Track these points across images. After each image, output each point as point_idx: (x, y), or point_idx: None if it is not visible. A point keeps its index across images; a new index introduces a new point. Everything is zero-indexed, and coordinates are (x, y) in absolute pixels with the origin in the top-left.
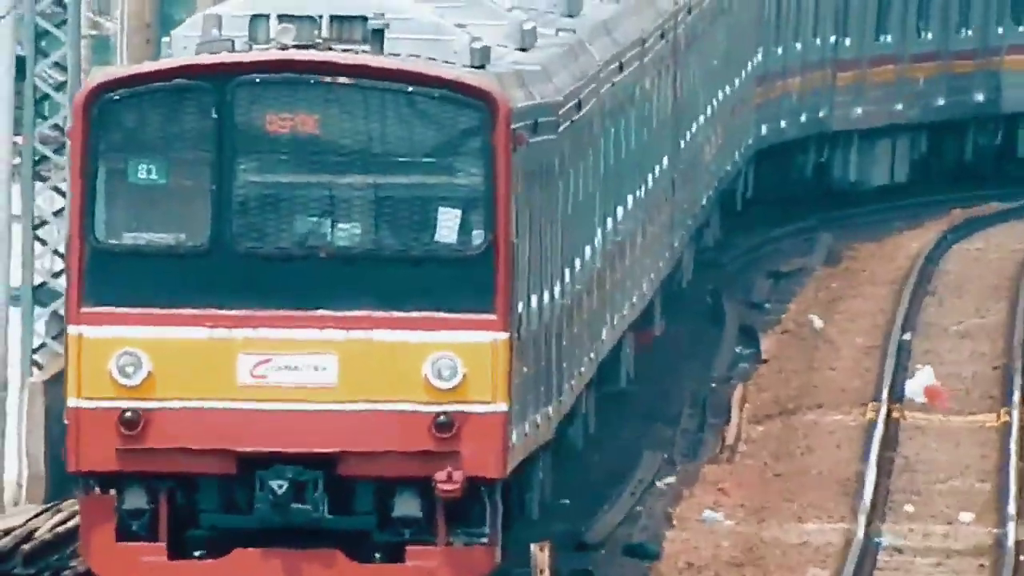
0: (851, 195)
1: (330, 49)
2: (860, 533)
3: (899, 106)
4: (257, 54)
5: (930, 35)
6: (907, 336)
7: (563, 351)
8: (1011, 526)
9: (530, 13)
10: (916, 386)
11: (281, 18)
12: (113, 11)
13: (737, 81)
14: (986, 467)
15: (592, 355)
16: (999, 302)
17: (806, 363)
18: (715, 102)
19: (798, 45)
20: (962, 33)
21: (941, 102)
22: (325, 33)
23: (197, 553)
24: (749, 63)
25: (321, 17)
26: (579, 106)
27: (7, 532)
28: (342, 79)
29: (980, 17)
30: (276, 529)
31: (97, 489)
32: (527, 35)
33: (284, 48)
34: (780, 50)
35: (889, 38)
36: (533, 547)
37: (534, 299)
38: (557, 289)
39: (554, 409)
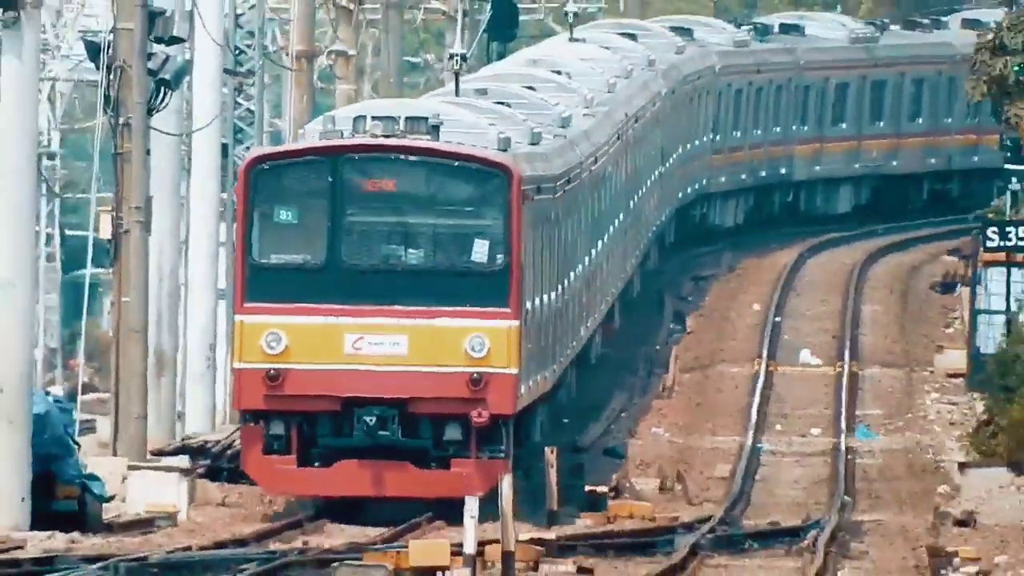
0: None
1: (405, 137)
2: (749, 441)
3: (743, 176)
4: (358, 139)
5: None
6: (778, 318)
7: (555, 337)
8: (843, 436)
9: (537, 124)
10: (805, 355)
11: (374, 117)
12: (284, 115)
13: (668, 162)
14: (827, 400)
15: (576, 340)
16: (835, 295)
17: (716, 335)
18: (652, 177)
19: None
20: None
21: (763, 174)
22: (402, 127)
23: (316, 464)
24: (674, 153)
25: (400, 117)
26: (569, 181)
27: (217, 442)
28: (412, 157)
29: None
30: (367, 448)
31: (251, 423)
32: (535, 135)
33: (375, 136)
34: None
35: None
36: (546, 449)
37: (537, 301)
38: (555, 295)
39: (549, 372)
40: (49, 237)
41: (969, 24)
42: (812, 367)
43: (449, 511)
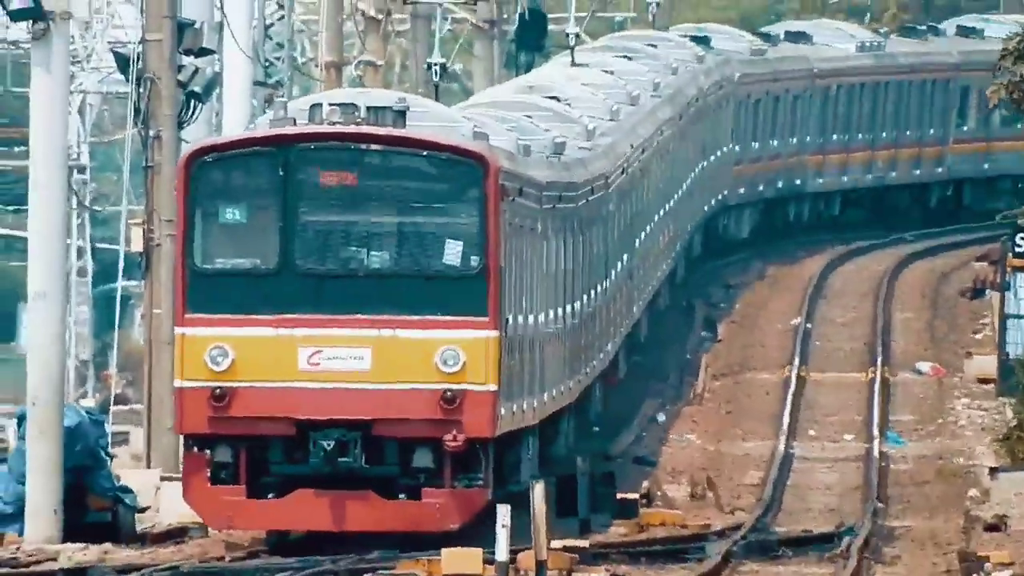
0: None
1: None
2: (781, 447)
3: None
4: (312, 127)
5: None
6: (808, 325)
7: (561, 358)
8: (875, 442)
9: (535, 150)
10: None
11: (332, 104)
12: None
13: (684, 185)
14: (859, 406)
15: (603, 354)
16: (865, 302)
17: (746, 341)
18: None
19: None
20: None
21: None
22: (363, 115)
23: (268, 494)
24: (690, 175)
25: (361, 105)
26: (560, 198)
27: None
28: (374, 146)
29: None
30: (326, 476)
31: (195, 448)
32: (526, 148)
33: (333, 124)
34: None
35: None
36: (578, 458)
37: (534, 315)
38: (574, 307)
39: (538, 401)
40: (80, 250)
41: (964, 31)
42: (842, 373)
43: (420, 547)
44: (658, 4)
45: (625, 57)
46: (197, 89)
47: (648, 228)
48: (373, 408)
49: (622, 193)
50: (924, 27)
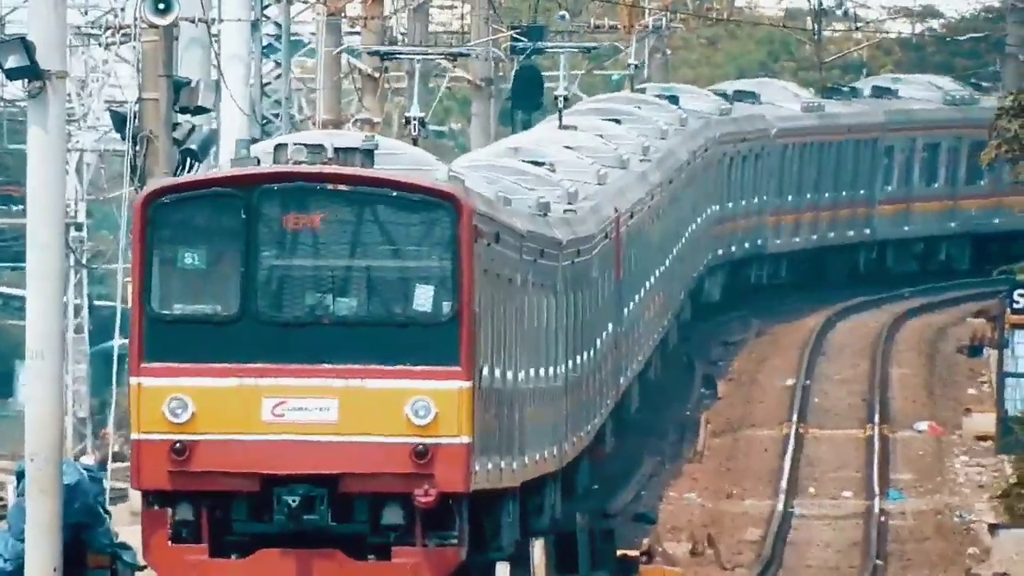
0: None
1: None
2: (780, 506)
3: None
4: (275, 167)
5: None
6: (807, 382)
7: (544, 421)
8: (875, 499)
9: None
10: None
11: (296, 144)
12: None
13: (678, 246)
14: (858, 462)
15: (589, 426)
16: (864, 359)
17: (745, 399)
18: (657, 272)
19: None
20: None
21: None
22: (330, 155)
23: (234, 556)
24: (684, 234)
25: (328, 145)
26: (542, 253)
27: None
28: (341, 186)
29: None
30: (291, 535)
31: (155, 506)
32: (504, 200)
33: (297, 163)
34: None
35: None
36: (578, 515)
37: (513, 371)
38: (557, 369)
39: (518, 464)
40: (77, 308)
41: (879, 92)
42: (840, 430)
43: None
44: (636, 66)
45: (614, 120)
46: (194, 147)
47: (638, 295)
48: (340, 462)
49: (605, 257)
50: (847, 88)
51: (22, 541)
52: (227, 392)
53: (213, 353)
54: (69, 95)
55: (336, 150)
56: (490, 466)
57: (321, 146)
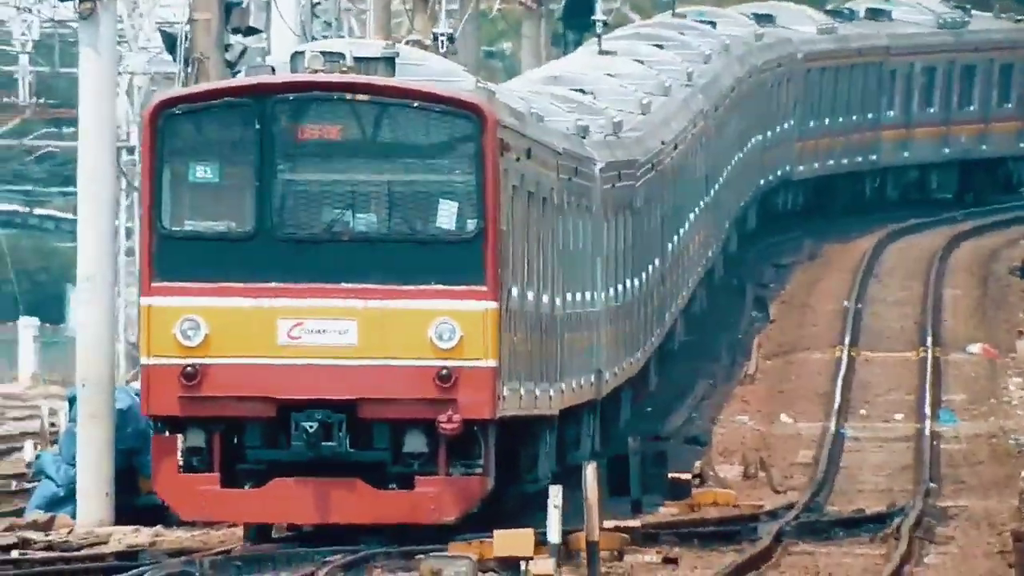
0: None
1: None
2: (832, 427)
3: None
4: (290, 76)
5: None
6: (860, 305)
7: (582, 348)
8: (927, 422)
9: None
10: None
11: (314, 52)
12: None
13: (726, 170)
14: (910, 385)
15: (632, 359)
16: (916, 281)
17: (797, 321)
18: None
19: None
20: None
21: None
22: (349, 64)
23: (247, 485)
24: (730, 162)
25: (347, 53)
26: (577, 172)
27: None
28: (360, 96)
29: None
30: (308, 463)
31: (164, 432)
32: (536, 116)
33: (315, 73)
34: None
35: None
36: (629, 438)
37: (549, 295)
38: (595, 295)
39: (555, 390)
40: (129, 231)
41: (874, 14)
42: (892, 352)
43: (415, 541)
44: None
45: (656, 45)
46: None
47: (684, 226)
48: (360, 387)
49: (650, 186)
50: (845, 10)
51: (74, 466)
52: (242, 313)
53: (227, 272)
54: (120, 16)
55: (355, 59)
56: (522, 391)
57: (340, 54)
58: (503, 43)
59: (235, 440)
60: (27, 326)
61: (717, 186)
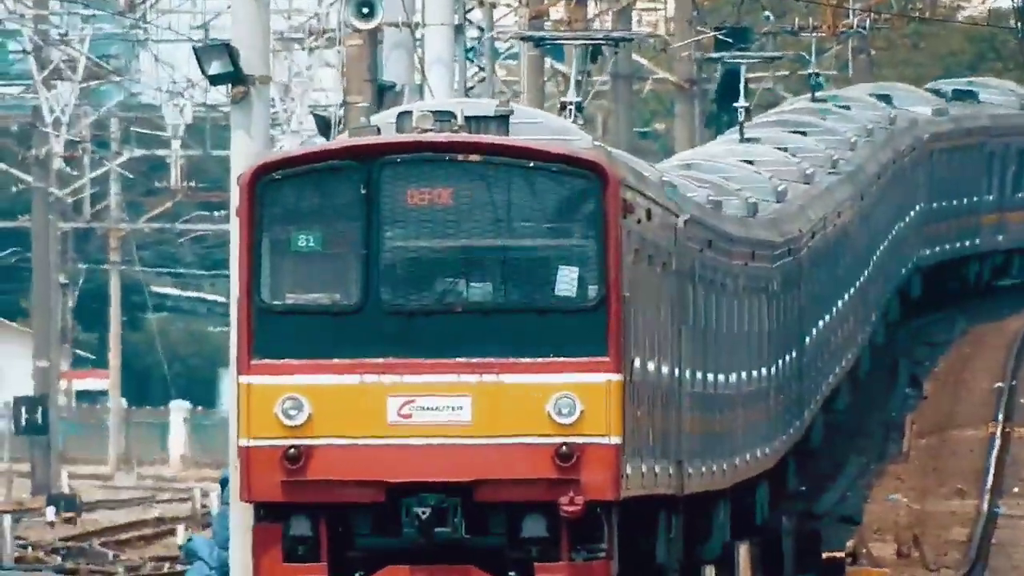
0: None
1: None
2: (985, 506)
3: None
4: (398, 136)
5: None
6: (1014, 382)
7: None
8: None
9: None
10: None
11: (423, 111)
12: None
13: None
14: None
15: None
16: None
17: (951, 399)
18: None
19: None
20: None
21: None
22: (460, 124)
23: (357, 575)
24: (873, 256)
25: (459, 111)
26: (710, 244)
27: None
28: (472, 157)
29: None
30: (422, 549)
31: (267, 520)
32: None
33: (424, 132)
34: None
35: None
36: (783, 517)
37: (672, 367)
38: (719, 376)
39: (675, 468)
40: None
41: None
42: None
43: None
44: (817, 75)
45: (799, 132)
46: None
47: (823, 319)
48: (475, 468)
49: (787, 273)
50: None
51: (227, 549)
52: (348, 391)
53: (332, 348)
54: (272, 100)
55: (467, 118)
56: (643, 469)
57: (451, 112)
58: (656, 124)
59: (342, 527)
60: (178, 409)
61: (867, 272)
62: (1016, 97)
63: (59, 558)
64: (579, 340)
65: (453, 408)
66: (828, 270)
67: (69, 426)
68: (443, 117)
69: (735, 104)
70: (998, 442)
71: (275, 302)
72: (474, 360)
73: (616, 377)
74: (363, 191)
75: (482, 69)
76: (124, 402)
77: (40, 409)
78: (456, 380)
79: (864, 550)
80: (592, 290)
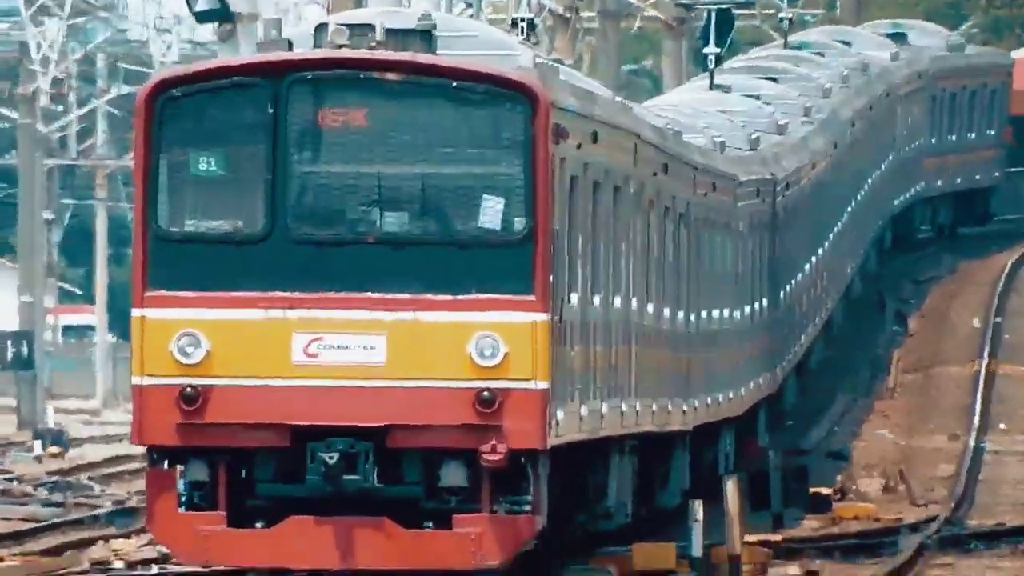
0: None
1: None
2: (971, 442)
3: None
4: (310, 52)
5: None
6: (999, 319)
7: (670, 367)
8: None
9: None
10: None
11: (339, 24)
12: None
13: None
14: None
15: (791, 355)
16: None
17: (937, 336)
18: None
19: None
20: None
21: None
22: (379, 39)
23: (258, 524)
24: (856, 194)
25: (376, 25)
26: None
27: None
28: (391, 75)
29: None
30: (329, 499)
31: (160, 464)
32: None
33: (338, 48)
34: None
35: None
36: (770, 452)
37: (623, 299)
38: (674, 310)
39: (628, 405)
40: None
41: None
42: None
43: None
44: (790, 20)
45: (770, 79)
46: None
47: (802, 269)
48: (389, 412)
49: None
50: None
51: None
52: (251, 326)
53: (233, 279)
54: (259, 37)
55: (387, 32)
56: (581, 413)
57: (369, 26)
58: (646, 61)
59: (243, 473)
60: None
61: (854, 204)
62: (940, 39)
63: (46, 492)
64: (503, 277)
65: (365, 347)
66: (815, 208)
67: (56, 361)
68: (360, 31)
69: (705, 50)
70: (982, 379)
71: (173, 229)
72: (388, 296)
73: (542, 317)
74: (270, 111)
75: (469, 5)
76: (111, 337)
77: (26, 344)
78: (369, 317)
79: (852, 486)
80: (518, 222)
